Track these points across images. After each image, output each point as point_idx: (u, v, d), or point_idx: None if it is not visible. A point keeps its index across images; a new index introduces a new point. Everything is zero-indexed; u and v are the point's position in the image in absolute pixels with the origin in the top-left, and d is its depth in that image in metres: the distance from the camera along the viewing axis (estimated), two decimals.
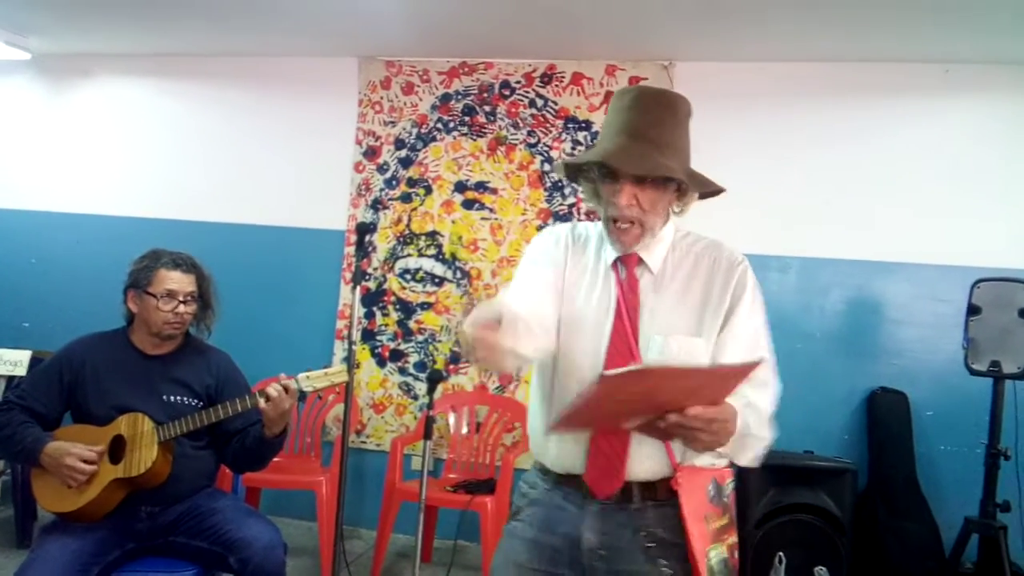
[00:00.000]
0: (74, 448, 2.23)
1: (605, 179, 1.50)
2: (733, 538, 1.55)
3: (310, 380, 2.29)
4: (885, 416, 3.59)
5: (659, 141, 1.46)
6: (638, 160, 1.44)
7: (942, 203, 3.66)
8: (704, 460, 1.51)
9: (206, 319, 2.53)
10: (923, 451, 3.58)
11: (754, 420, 1.42)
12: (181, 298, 2.40)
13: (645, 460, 1.48)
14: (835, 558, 3.28)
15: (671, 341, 1.49)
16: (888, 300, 3.72)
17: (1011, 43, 3.40)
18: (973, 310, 3.07)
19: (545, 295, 1.55)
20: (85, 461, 2.22)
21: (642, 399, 1.26)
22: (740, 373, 1.31)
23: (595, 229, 1.64)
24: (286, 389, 2.24)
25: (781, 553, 3.18)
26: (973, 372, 3.06)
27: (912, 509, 3.48)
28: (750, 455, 1.45)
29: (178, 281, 2.40)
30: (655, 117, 1.48)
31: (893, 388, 3.63)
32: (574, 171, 1.61)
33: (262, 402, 2.24)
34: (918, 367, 3.65)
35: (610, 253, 1.57)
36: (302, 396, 2.28)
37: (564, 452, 1.54)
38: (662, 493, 1.50)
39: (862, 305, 3.75)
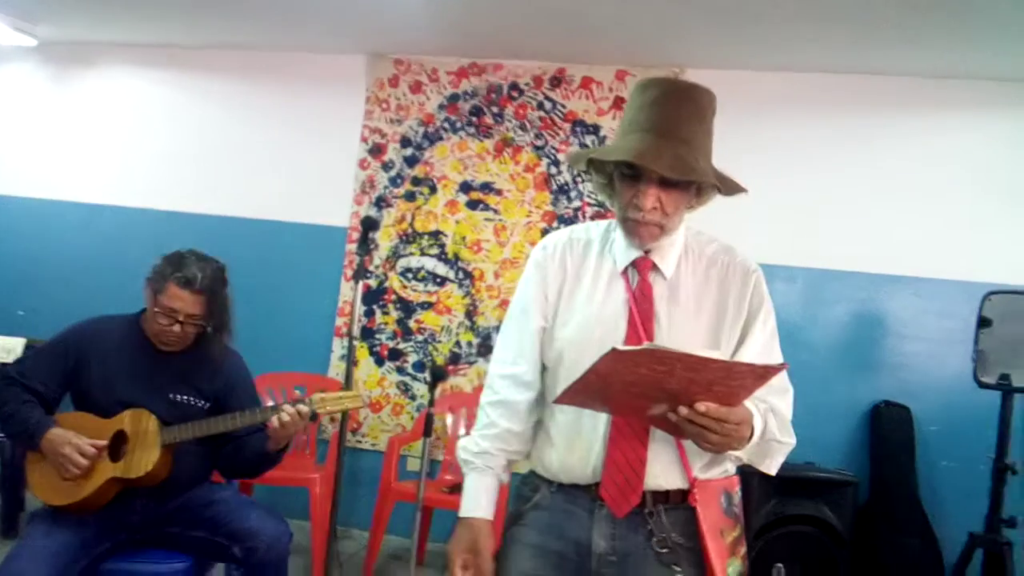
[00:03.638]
0: (75, 439, 2.16)
1: (626, 178, 1.41)
2: (744, 548, 1.51)
3: (324, 402, 2.23)
4: (888, 430, 3.56)
5: (691, 141, 1.36)
6: (671, 162, 1.34)
7: (950, 218, 3.64)
8: (714, 471, 1.47)
9: (218, 339, 2.37)
10: (925, 466, 3.55)
11: (776, 425, 1.40)
12: (180, 318, 2.27)
13: (660, 473, 1.43)
14: (834, 571, 3.26)
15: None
16: (894, 314, 3.69)
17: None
18: (984, 322, 3.04)
19: (537, 347, 1.53)
20: (83, 455, 2.14)
21: (653, 384, 1.23)
22: (759, 374, 1.26)
23: (597, 231, 1.55)
24: (299, 413, 2.18)
25: (780, 565, 3.14)
26: (982, 385, 3.03)
27: (913, 524, 3.44)
28: (774, 461, 1.43)
29: (183, 301, 2.26)
30: (684, 114, 1.38)
31: (897, 402, 3.59)
32: (587, 163, 1.51)
33: (274, 420, 2.17)
34: (922, 381, 3.62)
35: (620, 258, 1.49)
36: (313, 417, 2.21)
37: (572, 464, 1.46)
38: (674, 498, 1.45)
39: (867, 318, 3.72)
